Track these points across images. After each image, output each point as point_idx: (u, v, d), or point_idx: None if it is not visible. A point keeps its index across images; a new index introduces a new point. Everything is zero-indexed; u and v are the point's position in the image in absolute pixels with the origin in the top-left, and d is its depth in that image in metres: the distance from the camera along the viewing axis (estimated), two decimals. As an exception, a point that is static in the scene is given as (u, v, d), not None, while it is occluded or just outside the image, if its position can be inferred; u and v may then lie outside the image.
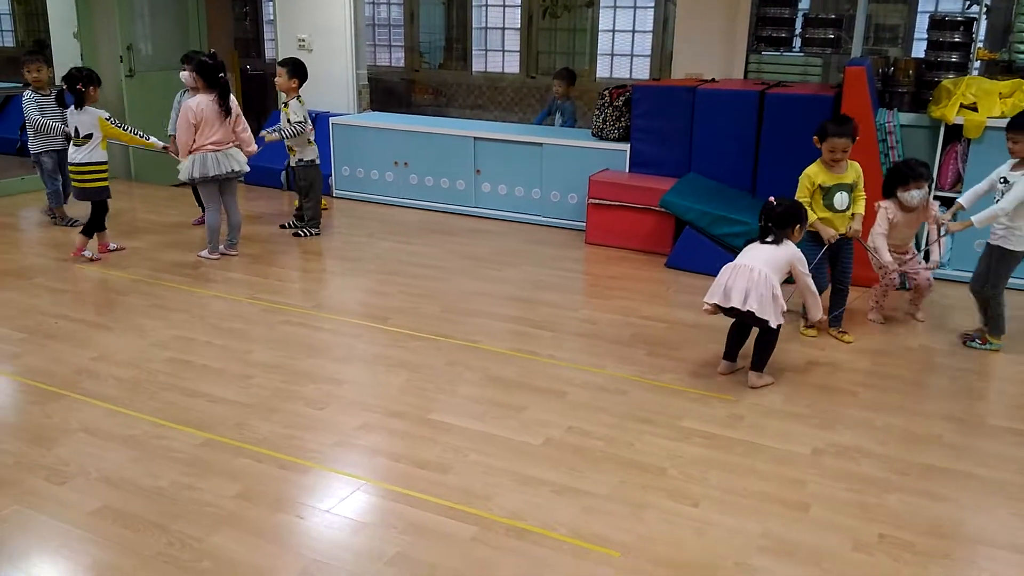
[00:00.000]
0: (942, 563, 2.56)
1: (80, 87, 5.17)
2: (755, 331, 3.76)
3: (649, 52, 9.07)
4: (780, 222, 3.71)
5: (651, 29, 9.00)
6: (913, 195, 4.19)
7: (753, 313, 3.53)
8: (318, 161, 6.09)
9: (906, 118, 5.47)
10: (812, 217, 4.15)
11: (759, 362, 3.72)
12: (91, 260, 5.36)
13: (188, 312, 4.57)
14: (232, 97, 5.42)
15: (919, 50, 6.60)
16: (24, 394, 3.58)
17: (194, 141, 5.26)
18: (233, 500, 2.80)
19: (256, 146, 5.67)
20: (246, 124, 5.48)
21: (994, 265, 4.08)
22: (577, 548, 2.57)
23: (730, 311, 3.64)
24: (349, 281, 5.23)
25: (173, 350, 4.05)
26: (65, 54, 7.89)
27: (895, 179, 4.26)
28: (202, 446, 3.15)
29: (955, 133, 5.15)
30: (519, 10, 9.67)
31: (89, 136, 5.21)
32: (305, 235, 6.08)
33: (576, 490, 2.89)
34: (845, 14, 6.12)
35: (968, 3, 5.96)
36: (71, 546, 2.56)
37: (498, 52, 10.07)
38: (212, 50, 5.71)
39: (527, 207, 6.60)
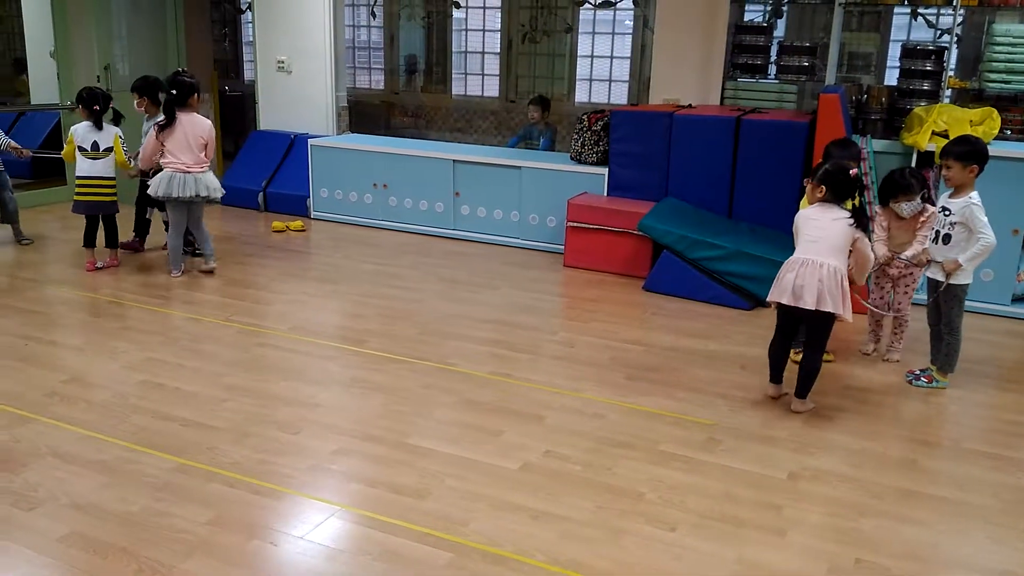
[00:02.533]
0: (918, 588, 2.57)
1: (96, 108, 5.39)
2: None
3: (627, 78, 9.16)
4: (841, 190, 3.63)
5: (629, 55, 9.09)
6: (903, 208, 4.15)
7: (827, 311, 3.53)
8: None
9: (879, 144, 5.56)
10: None
11: (803, 389, 3.75)
12: (104, 267, 5.61)
13: (162, 334, 4.52)
14: (200, 118, 5.40)
15: (891, 78, 6.72)
16: (-8, 418, 3.51)
17: (162, 156, 5.33)
18: (205, 526, 2.75)
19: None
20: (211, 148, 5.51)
21: (944, 303, 4.00)
22: (554, 574, 2.55)
23: (791, 308, 3.62)
24: (326, 303, 5.20)
25: (145, 373, 3.99)
26: (42, 73, 7.85)
27: (889, 189, 4.21)
28: (174, 471, 3.10)
29: (927, 160, 5.23)
30: (499, 35, 9.74)
31: (109, 150, 5.43)
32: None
33: (553, 515, 2.87)
34: (819, 42, 6.22)
35: (939, 32, 6.08)
36: (39, 573, 2.50)
37: (478, 76, 10.13)
38: (181, 68, 5.76)
39: (505, 230, 6.61)
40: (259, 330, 4.61)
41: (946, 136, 5.11)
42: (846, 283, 3.59)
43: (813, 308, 3.52)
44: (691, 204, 5.87)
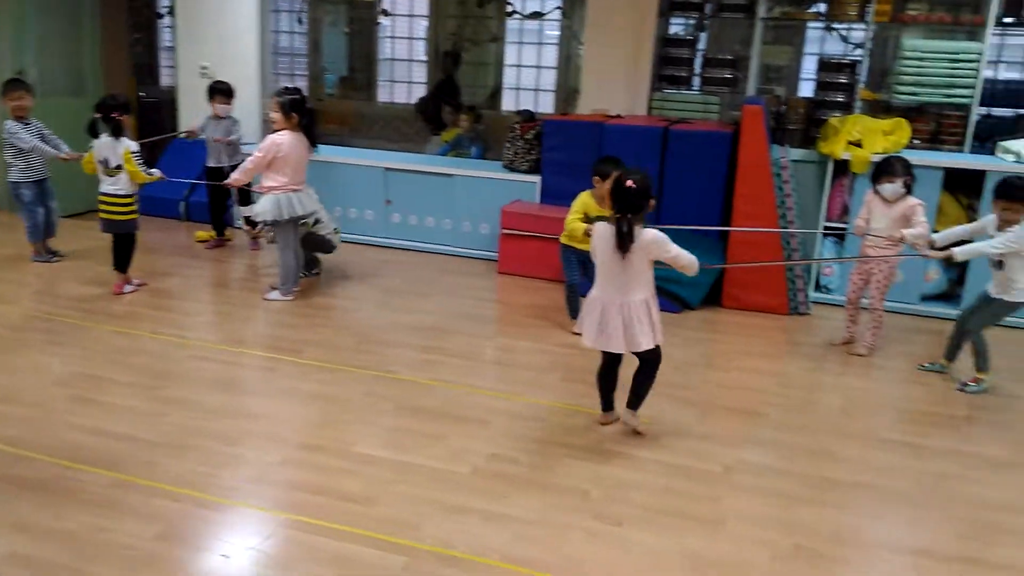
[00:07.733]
0: (844, 568, 2.72)
1: (116, 115, 4.99)
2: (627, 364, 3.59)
3: (554, 87, 9.30)
4: (636, 204, 3.43)
5: (556, 66, 9.24)
6: (884, 187, 4.49)
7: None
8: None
9: (797, 154, 5.81)
10: (582, 228, 4.45)
11: (638, 400, 3.57)
12: (137, 287, 5.32)
13: (88, 348, 4.38)
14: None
15: (805, 90, 7.02)
16: (-89, 438, 3.36)
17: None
18: (152, 541, 2.70)
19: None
20: None
21: (988, 310, 4.24)
22: (509, 572, 2.60)
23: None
24: (258, 313, 5.12)
25: (76, 388, 3.87)
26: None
27: (876, 171, 4.57)
28: (113, 487, 3.03)
29: (842, 168, 5.51)
30: (424, 43, 9.77)
31: (119, 167, 5.04)
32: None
33: (504, 516, 2.92)
34: (740, 55, 6.46)
35: (851, 46, 6.40)
36: (-26, 597, 2.42)
37: (404, 84, 10.13)
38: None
39: (438, 237, 6.63)
40: (190, 342, 4.51)
41: (859, 145, 5.39)
42: (655, 308, 3.50)
43: (623, 351, 3.42)
44: (620, 211, 5.99)
